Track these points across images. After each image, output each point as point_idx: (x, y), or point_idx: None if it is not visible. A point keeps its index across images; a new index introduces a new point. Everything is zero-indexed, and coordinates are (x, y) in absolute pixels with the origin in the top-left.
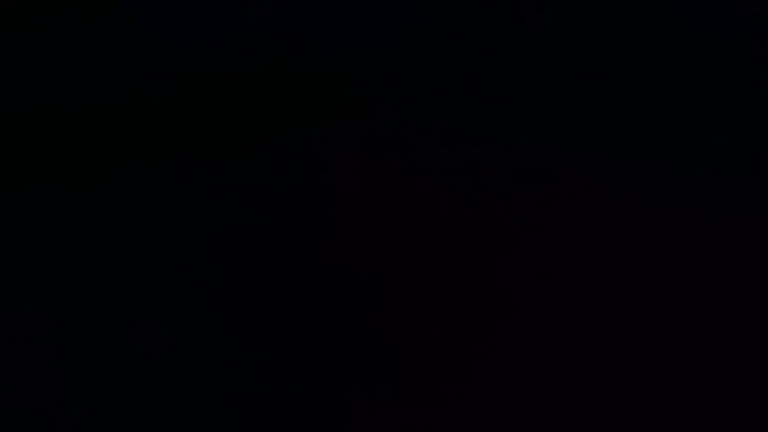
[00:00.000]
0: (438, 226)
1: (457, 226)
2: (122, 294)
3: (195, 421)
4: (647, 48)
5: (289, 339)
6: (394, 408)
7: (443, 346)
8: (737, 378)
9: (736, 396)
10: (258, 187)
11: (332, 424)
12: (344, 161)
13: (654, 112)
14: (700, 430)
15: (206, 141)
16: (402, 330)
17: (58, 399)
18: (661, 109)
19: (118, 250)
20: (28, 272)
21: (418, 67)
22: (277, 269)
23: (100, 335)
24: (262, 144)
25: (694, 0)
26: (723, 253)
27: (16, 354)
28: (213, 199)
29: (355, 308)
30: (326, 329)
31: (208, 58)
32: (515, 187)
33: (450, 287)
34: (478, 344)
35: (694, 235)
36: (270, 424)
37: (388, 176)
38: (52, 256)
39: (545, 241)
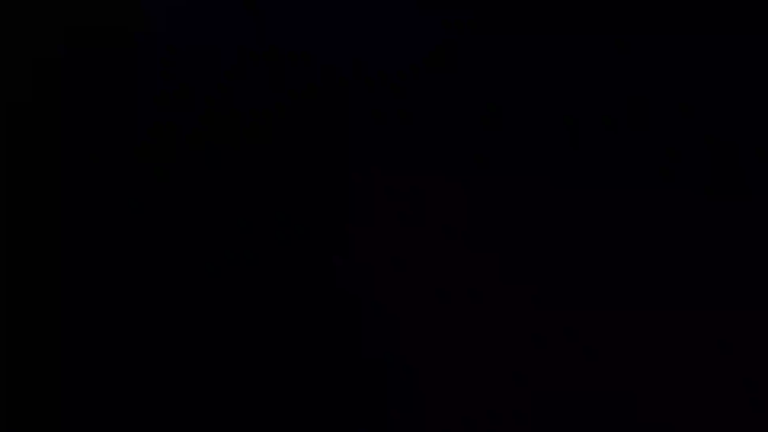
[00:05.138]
0: (457, 242)
1: (475, 243)
2: (127, 303)
3: None
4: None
5: (304, 352)
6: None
7: (465, 358)
8: (738, 381)
9: (736, 398)
10: (268, 199)
11: None
12: (359, 177)
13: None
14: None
15: (216, 152)
16: (424, 345)
17: (58, 399)
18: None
19: (124, 253)
20: (28, 271)
21: (429, 82)
22: (291, 281)
23: (102, 340)
24: (268, 152)
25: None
26: (724, 260)
27: (17, 354)
28: (230, 209)
29: (375, 321)
30: (344, 343)
31: (219, 68)
32: (529, 200)
33: (466, 300)
34: (497, 356)
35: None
36: None
37: (401, 191)
38: (53, 256)
39: (560, 254)
